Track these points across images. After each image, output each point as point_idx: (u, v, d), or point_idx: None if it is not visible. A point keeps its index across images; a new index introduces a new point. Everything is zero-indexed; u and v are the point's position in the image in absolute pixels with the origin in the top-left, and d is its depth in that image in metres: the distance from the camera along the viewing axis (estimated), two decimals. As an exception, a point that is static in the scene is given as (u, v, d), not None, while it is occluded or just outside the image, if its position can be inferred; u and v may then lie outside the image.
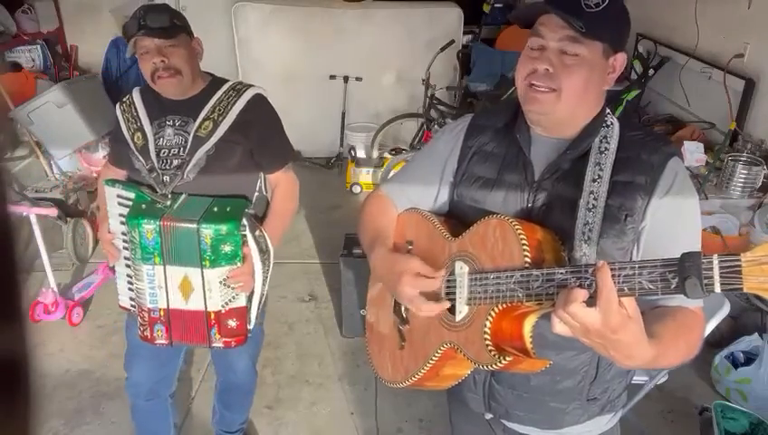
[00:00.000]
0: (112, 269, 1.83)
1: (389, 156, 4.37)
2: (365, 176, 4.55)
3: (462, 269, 1.07)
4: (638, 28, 4.46)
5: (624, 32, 1.08)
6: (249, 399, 2.21)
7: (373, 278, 1.35)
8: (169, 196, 1.68)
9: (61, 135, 3.87)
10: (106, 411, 2.54)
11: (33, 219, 2.96)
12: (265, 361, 2.83)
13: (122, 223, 1.69)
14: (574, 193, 1.06)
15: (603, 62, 1.05)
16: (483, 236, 1.05)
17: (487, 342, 0.99)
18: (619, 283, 0.82)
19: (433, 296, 1.09)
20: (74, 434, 2.45)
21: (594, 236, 1.03)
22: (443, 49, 4.44)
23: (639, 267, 0.82)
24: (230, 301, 1.70)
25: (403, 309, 1.21)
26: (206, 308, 1.68)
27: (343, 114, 5.02)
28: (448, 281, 1.10)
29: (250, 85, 1.81)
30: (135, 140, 1.74)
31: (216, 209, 1.64)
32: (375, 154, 4.64)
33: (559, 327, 0.86)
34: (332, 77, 4.93)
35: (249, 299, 1.75)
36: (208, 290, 1.66)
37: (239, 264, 1.66)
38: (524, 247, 0.96)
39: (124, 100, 1.83)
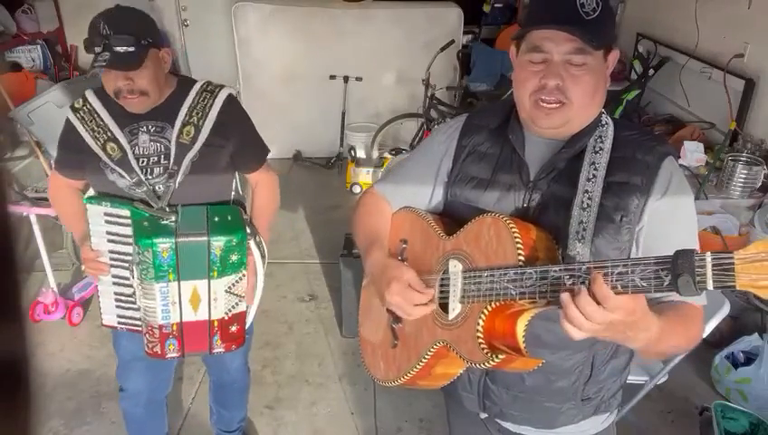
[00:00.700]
0: None
1: (389, 156, 4.37)
2: (365, 176, 4.55)
3: (456, 267, 1.07)
4: (638, 28, 4.43)
5: (613, 27, 1.09)
6: (245, 395, 2.20)
7: (366, 277, 1.34)
8: (167, 209, 1.60)
9: (61, 135, 3.87)
10: (106, 411, 2.54)
11: (33, 219, 2.97)
12: (265, 361, 2.83)
13: (111, 241, 1.63)
14: (569, 192, 1.06)
15: (604, 64, 1.06)
16: (477, 234, 1.05)
17: (480, 340, 0.99)
18: (612, 281, 0.83)
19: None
20: (74, 434, 2.45)
21: (588, 236, 1.03)
22: (443, 49, 4.43)
23: (633, 265, 0.82)
24: (233, 308, 1.70)
25: None
26: (209, 317, 1.67)
27: (343, 114, 5.02)
28: (442, 279, 1.10)
29: (220, 85, 1.71)
30: (109, 151, 1.60)
31: (216, 219, 1.60)
32: (375, 154, 4.65)
33: (577, 334, 0.86)
34: (332, 77, 4.93)
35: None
36: (214, 299, 1.65)
37: (244, 271, 1.65)
38: (518, 246, 0.96)
39: (79, 106, 1.65)
